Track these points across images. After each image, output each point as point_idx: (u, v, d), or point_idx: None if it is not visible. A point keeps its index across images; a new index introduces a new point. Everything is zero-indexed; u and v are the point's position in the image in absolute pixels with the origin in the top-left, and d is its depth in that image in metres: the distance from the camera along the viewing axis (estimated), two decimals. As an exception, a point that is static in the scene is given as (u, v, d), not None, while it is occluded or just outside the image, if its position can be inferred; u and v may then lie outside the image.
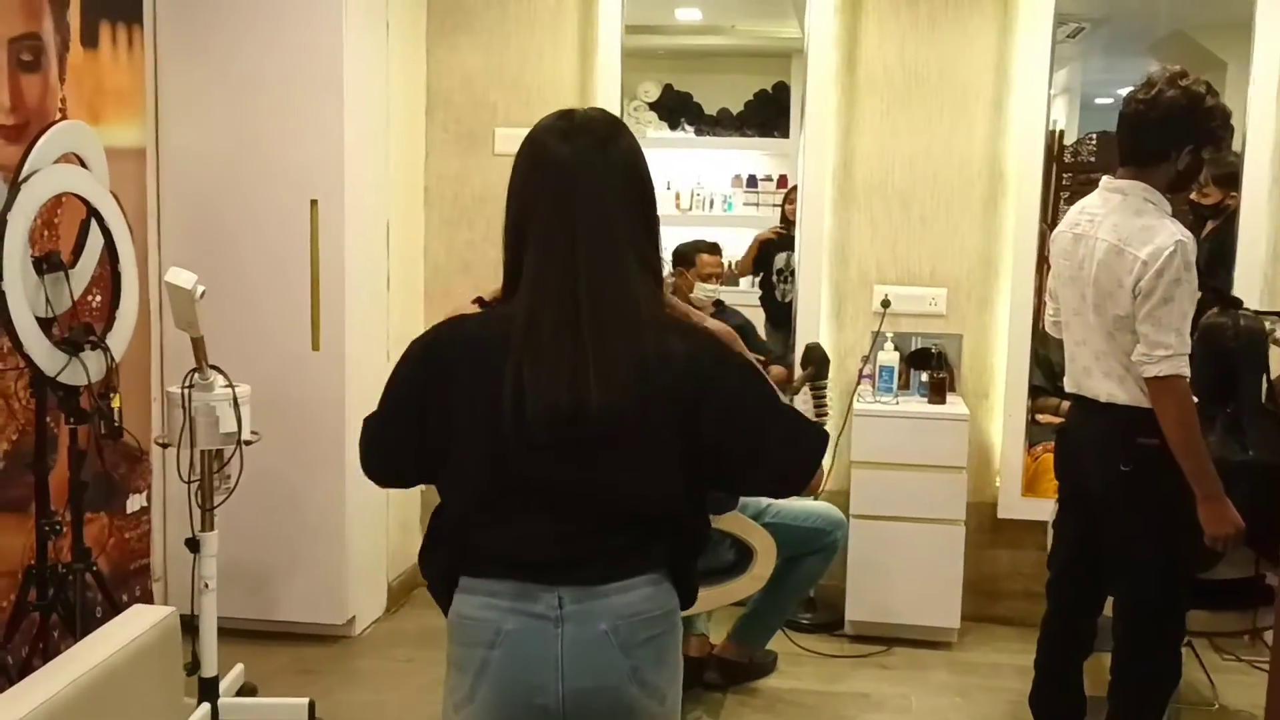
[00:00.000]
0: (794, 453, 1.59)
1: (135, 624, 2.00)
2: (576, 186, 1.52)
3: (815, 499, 3.60)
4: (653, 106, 6.02)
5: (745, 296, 4.84)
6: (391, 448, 1.61)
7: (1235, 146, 3.95)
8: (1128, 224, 2.64)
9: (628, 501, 1.51)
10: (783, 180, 5.08)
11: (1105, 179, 2.78)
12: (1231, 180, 4.04)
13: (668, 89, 6.07)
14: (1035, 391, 4.21)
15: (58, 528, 2.99)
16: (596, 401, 1.45)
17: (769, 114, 5.17)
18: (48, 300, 2.94)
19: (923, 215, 4.14)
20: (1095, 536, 2.83)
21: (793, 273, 4.37)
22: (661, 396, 1.49)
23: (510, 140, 4.22)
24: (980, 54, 4.08)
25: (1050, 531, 3.15)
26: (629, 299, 1.50)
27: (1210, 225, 4.10)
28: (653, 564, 1.55)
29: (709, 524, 1.65)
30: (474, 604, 1.53)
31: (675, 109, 6.08)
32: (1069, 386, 2.86)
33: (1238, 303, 3.21)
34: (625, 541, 1.52)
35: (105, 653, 1.85)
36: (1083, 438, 2.80)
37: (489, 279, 4.64)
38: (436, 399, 1.53)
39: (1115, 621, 2.86)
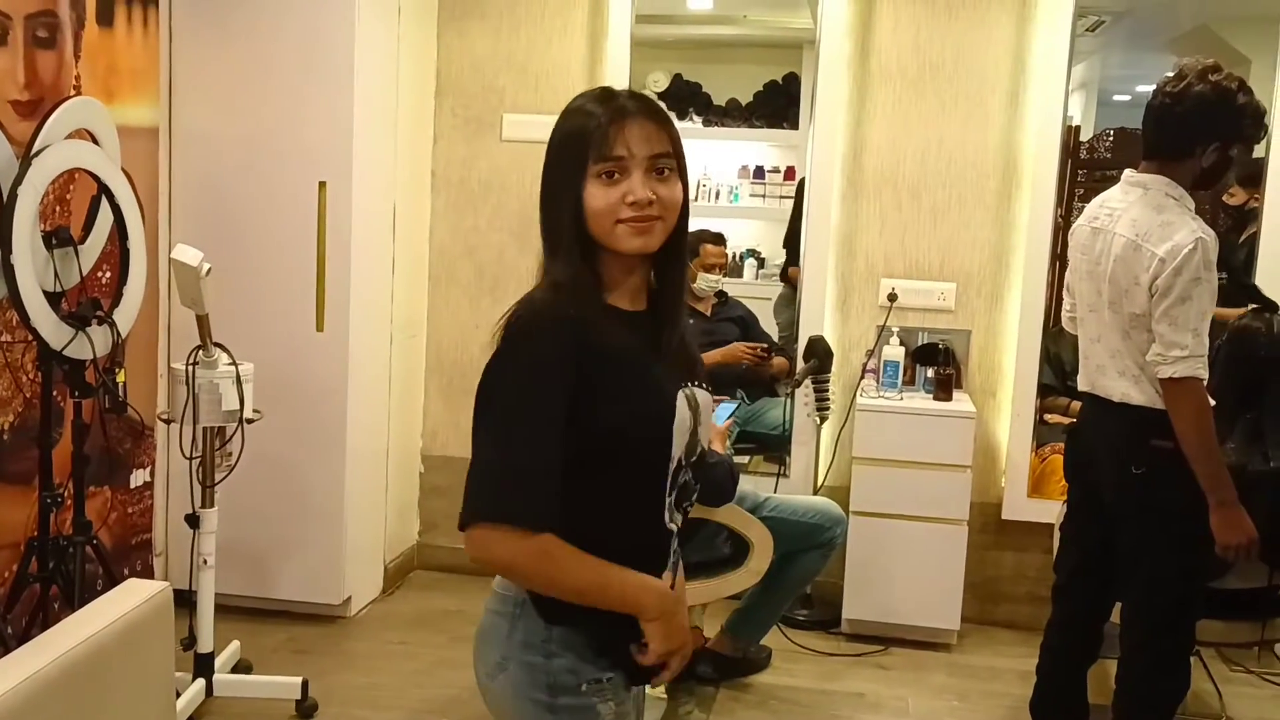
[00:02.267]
0: (470, 484, 1.52)
1: (129, 598, 2.07)
2: None
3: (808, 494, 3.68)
4: (662, 96, 6.13)
5: (748, 288, 4.94)
6: None
7: (1260, 144, 4.02)
8: (1147, 219, 2.63)
9: None
10: (790, 172, 5.18)
11: (1128, 172, 2.79)
12: (1257, 180, 4.04)
13: (677, 79, 6.19)
14: (1044, 390, 4.28)
15: (60, 500, 3.14)
16: None
17: (778, 105, 5.27)
18: (56, 275, 3.08)
19: (933, 208, 4.23)
20: (1106, 541, 2.82)
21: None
22: None
23: (518, 126, 4.39)
24: (997, 45, 4.15)
25: (1056, 534, 3.14)
26: None
27: (1251, 229, 4.10)
28: None
29: None
30: None
31: (684, 99, 6.19)
32: (1082, 385, 2.87)
33: (1275, 307, 3.18)
34: None
35: (97, 626, 1.92)
36: (1095, 438, 2.81)
37: (492, 263, 4.81)
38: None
39: (1123, 629, 2.87)
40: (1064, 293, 3.06)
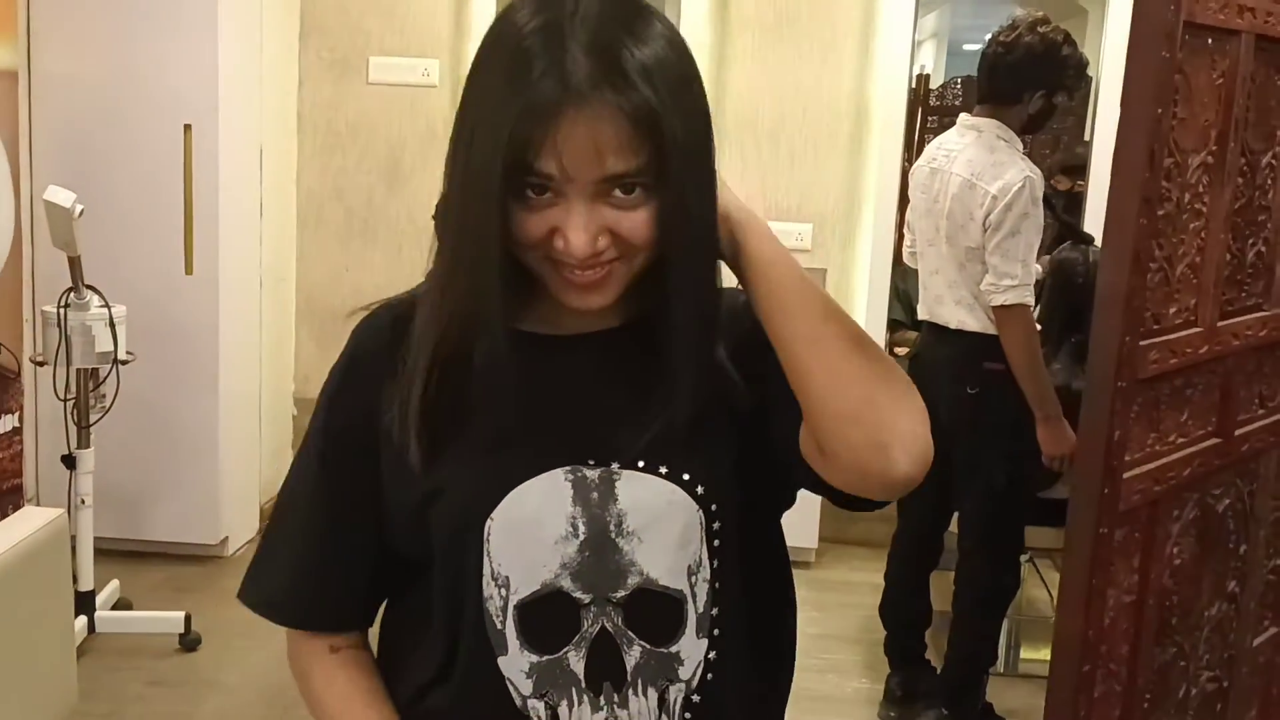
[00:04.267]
0: None
1: (24, 525, 2.21)
2: None
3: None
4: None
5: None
6: None
7: (1090, 91, 4.40)
8: (981, 159, 2.92)
9: None
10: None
11: (963, 116, 3.09)
12: (1081, 171, 4.47)
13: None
14: (894, 325, 4.63)
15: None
16: None
17: (645, 50, 5.47)
18: (-79, 218, 3.15)
19: (791, 152, 4.51)
20: (944, 456, 3.17)
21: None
22: None
23: (385, 69, 4.51)
24: (849, -4, 4.43)
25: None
26: None
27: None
28: None
29: None
30: None
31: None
32: (922, 314, 3.17)
33: (1089, 239, 3.51)
34: None
35: None
36: (934, 362, 3.09)
37: (361, 206, 4.91)
38: None
39: (960, 534, 3.20)
40: (905, 229, 3.35)
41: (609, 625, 1.05)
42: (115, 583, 3.69)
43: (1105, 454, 1.36)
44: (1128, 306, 1.25)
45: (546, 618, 1.04)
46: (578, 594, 1.04)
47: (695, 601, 1.07)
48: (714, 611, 1.08)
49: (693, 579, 1.06)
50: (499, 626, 1.05)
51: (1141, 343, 1.19)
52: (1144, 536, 1.50)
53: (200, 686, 3.40)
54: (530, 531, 1.04)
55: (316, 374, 4.53)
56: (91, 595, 3.43)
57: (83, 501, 3.40)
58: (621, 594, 1.04)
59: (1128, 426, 1.36)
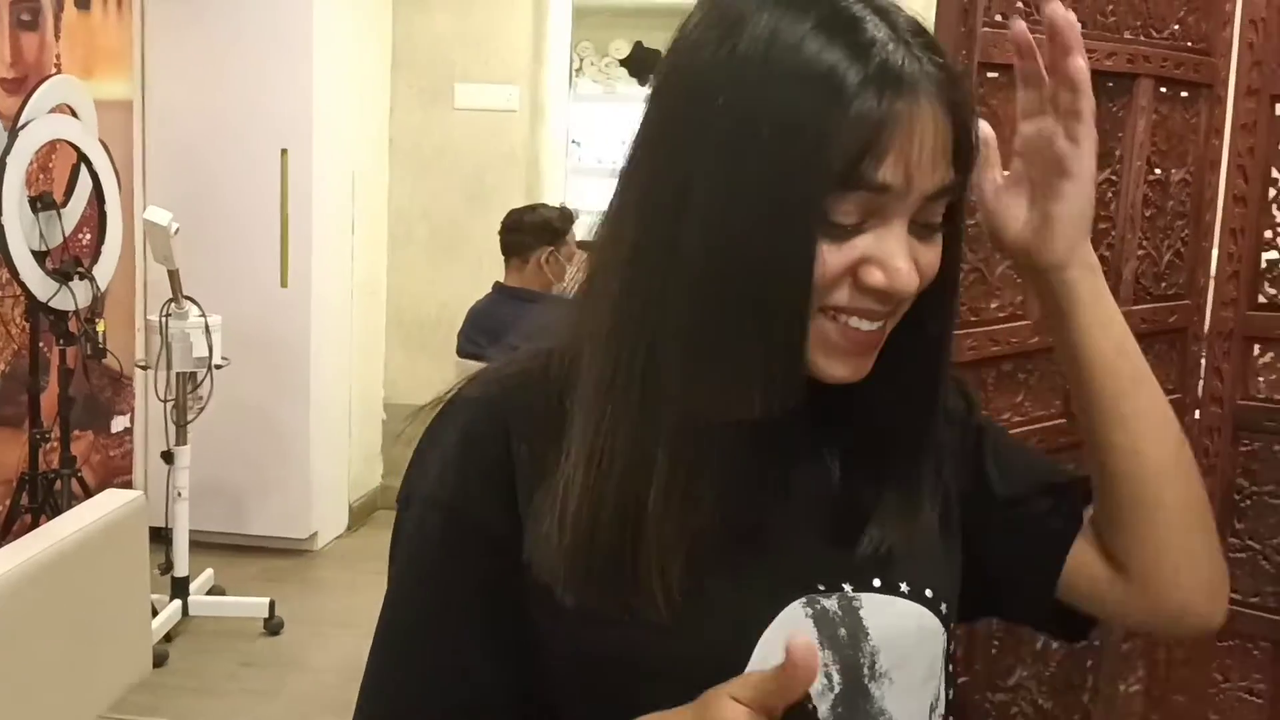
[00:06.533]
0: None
1: (105, 504, 2.38)
2: None
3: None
4: (623, 63, 6.54)
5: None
6: None
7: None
8: None
9: None
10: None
11: None
12: None
13: (638, 46, 6.57)
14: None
15: (47, 438, 3.63)
16: None
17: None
18: (42, 235, 3.56)
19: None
20: None
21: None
22: None
23: (469, 95, 4.84)
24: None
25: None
26: None
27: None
28: None
29: None
30: None
31: (645, 66, 6.58)
32: None
33: None
34: None
35: (73, 527, 2.18)
36: None
37: (446, 225, 5.23)
38: None
39: None
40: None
41: None
42: (210, 571, 4.06)
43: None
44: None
45: None
46: None
47: None
48: None
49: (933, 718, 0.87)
50: None
51: (956, 333, 1.36)
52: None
53: (285, 667, 3.72)
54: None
55: (404, 379, 4.87)
56: (185, 581, 3.79)
57: (179, 494, 3.77)
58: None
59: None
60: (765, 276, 0.72)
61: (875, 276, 0.75)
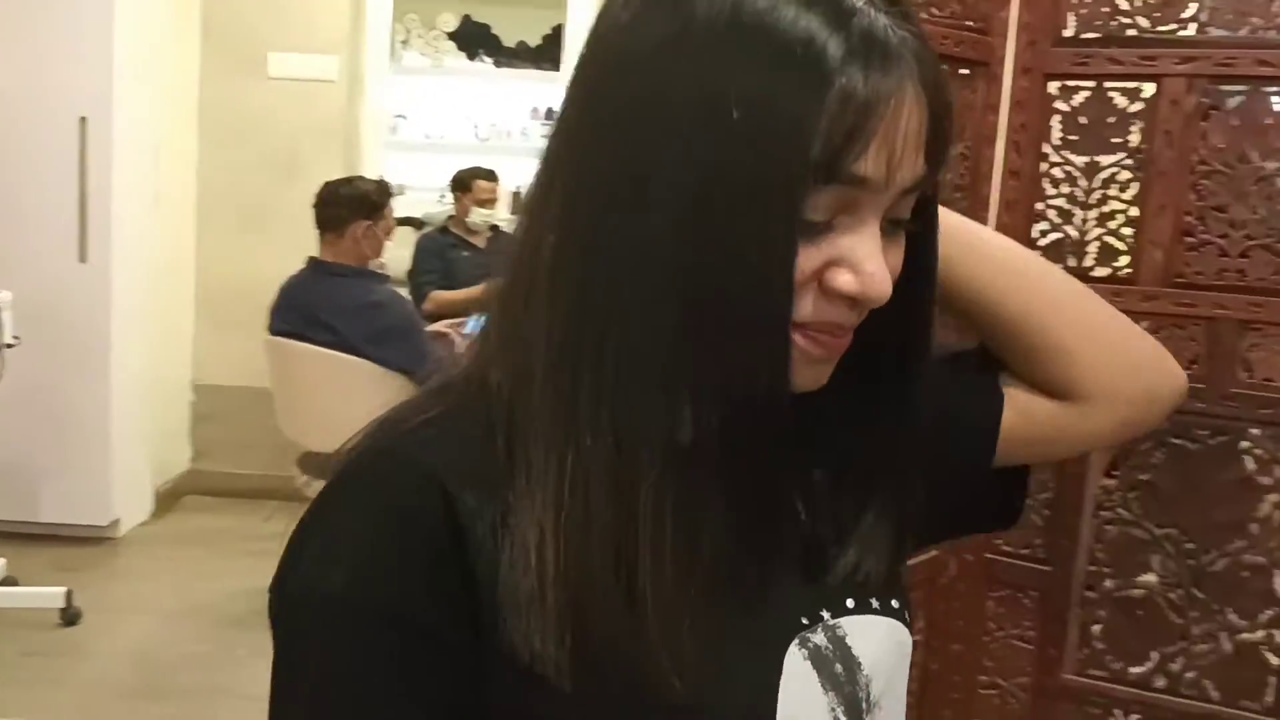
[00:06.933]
0: None
1: None
2: None
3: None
4: (451, 36, 6.46)
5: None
6: None
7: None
8: None
9: None
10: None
11: None
12: None
13: (466, 19, 6.50)
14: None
15: None
16: None
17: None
18: None
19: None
20: None
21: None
22: None
23: (283, 64, 4.69)
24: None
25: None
26: None
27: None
28: None
29: None
30: None
31: (474, 40, 6.51)
32: None
33: None
34: None
35: None
36: None
37: (256, 198, 5.05)
38: None
39: None
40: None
41: None
42: (1, 560, 3.86)
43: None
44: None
45: None
46: None
47: None
48: None
49: None
50: None
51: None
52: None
53: (75, 657, 3.55)
54: None
55: (213, 359, 4.69)
56: (-27, 571, 3.60)
57: (-35, 480, 3.57)
58: None
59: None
60: (743, 279, 0.64)
61: (846, 281, 0.67)
